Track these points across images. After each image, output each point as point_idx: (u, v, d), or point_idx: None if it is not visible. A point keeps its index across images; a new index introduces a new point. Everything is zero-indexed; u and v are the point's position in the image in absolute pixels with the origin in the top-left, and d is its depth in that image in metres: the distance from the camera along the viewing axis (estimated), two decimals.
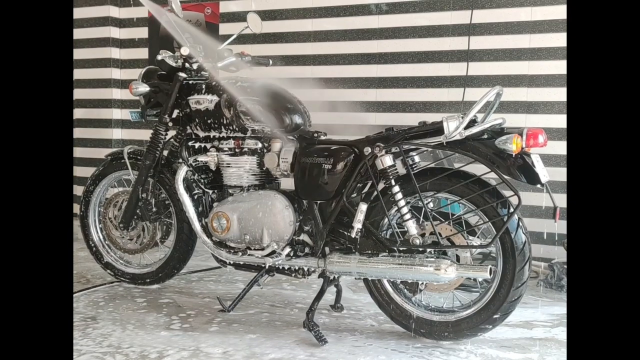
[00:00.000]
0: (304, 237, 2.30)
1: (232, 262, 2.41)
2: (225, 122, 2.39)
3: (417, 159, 2.23)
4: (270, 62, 2.75)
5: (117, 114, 4.31)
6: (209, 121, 2.43)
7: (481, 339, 2.17)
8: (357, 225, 2.13)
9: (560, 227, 3.12)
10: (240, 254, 2.37)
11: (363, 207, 2.13)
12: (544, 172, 1.95)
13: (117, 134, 4.31)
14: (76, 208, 3.05)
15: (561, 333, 2.30)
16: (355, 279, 2.27)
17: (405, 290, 2.21)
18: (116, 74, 4.28)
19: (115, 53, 4.27)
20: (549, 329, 2.34)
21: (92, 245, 2.87)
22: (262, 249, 2.32)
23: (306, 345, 2.11)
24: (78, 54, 4.27)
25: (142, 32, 4.22)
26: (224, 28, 3.94)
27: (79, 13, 4.24)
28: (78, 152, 4.36)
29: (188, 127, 2.53)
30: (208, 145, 2.50)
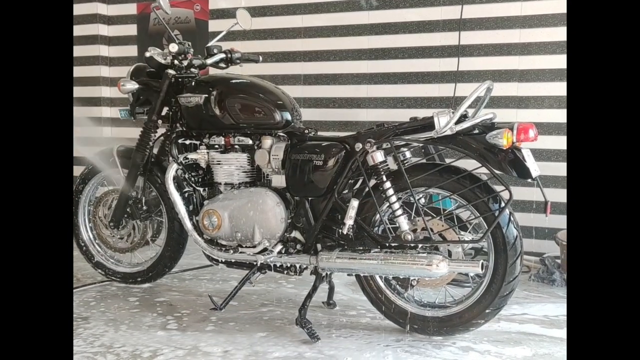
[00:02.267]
0: (295, 234, 2.29)
1: (223, 260, 2.40)
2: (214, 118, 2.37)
3: (408, 154, 2.22)
4: (260, 58, 2.73)
5: (106, 112, 4.28)
6: (198, 118, 2.41)
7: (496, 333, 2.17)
8: (349, 221, 2.12)
9: (551, 221, 3.14)
10: (231, 251, 2.36)
11: (354, 203, 2.12)
12: (534, 167, 1.95)
13: (106, 132, 4.28)
14: None
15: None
16: (348, 275, 2.26)
17: (398, 286, 2.21)
18: (105, 71, 4.25)
19: (104, 50, 4.24)
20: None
21: (82, 244, 2.85)
22: (254, 247, 2.31)
23: (312, 343, 2.10)
24: None
25: (131, 30, 4.19)
26: (214, 25, 3.91)
27: None
28: None
29: (177, 125, 2.52)
30: (198, 143, 2.49)
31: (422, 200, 2.17)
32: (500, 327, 2.28)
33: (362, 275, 2.20)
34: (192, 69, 2.52)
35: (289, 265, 2.29)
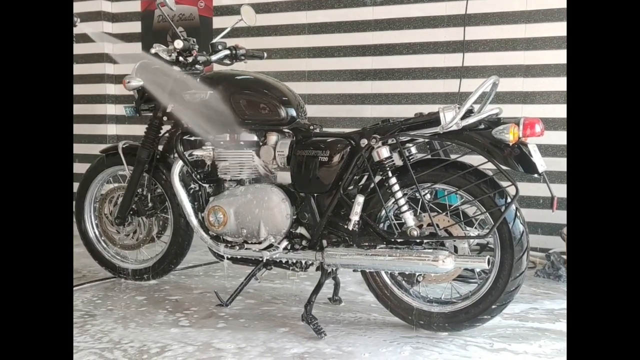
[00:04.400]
0: (301, 230, 2.29)
1: (229, 257, 2.40)
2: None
3: (413, 150, 2.22)
4: (265, 55, 2.73)
5: (111, 109, 4.28)
6: (204, 114, 2.41)
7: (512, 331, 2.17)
8: (355, 217, 2.12)
9: (557, 216, 3.13)
10: (237, 248, 2.36)
11: (360, 199, 2.12)
12: (541, 162, 1.95)
13: (111, 129, 4.29)
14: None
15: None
16: (353, 271, 2.26)
17: (403, 282, 2.20)
18: (110, 69, 4.25)
19: (109, 48, 4.24)
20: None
21: (89, 241, 2.86)
22: (260, 243, 2.32)
23: (331, 339, 2.09)
24: None
25: (136, 27, 4.19)
26: (218, 21, 3.91)
27: None
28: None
29: (182, 121, 2.52)
30: (203, 139, 2.49)
31: (428, 196, 2.17)
32: (513, 323, 2.28)
33: (367, 271, 2.20)
34: (197, 66, 2.51)
35: (294, 261, 2.29)
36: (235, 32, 3.05)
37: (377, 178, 2.13)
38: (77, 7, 4.22)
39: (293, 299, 2.55)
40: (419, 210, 2.11)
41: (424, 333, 2.15)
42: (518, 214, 2.02)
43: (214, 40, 2.60)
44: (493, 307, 2.04)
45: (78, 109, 4.32)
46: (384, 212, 2.15)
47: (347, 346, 2.04)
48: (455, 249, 2.08)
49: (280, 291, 2.67)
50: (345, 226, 2.15)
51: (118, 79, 4.23)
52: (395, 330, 2.19)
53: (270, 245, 2.29)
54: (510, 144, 1.91)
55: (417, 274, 2.11)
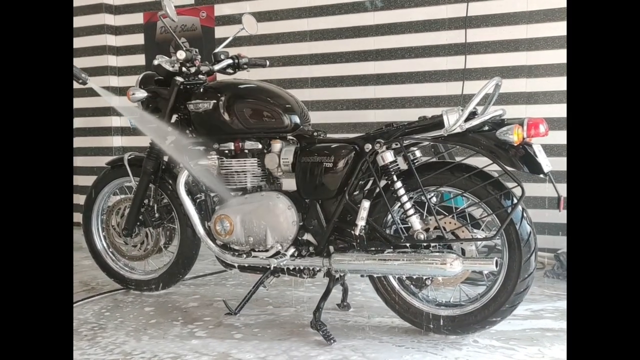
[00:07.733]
0: (307, 236, 2.29)
1: (237, 265, 2.41)
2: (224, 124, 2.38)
3: (418, 153, 2.22)
4: (267, 63, 2.74)
5: (116, 121, 4.31)
6: (208, 124, 2.42)
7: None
8: (361, 222, 2.12)
9: (564, 216, 3.11)
10: (244, 256, 2.36)
11: (366, 204, 2.12)
12: (546, 162, 1.94)
13: (117, 141, 4.31)
14: (78, 217, 3.05)
15: None
16: (361, 276, 2.26)
17: (412, 285, 2.20)
18: (114, 81, 4.28)
19: (112, 60, 4.27)
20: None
21: (97, 253, 2.87)
22: (267, 251, 2.32)
23: (357, 346, 2.07)
24: (75, 62, 4.27)
25: (139, 39, 4.22)
26: (220, 31, 3.93)
27: (75, 22, 4.24)
28: (78, 161, 4.36)
29: (187, 131, 2.53)
30: (208, 149, 2.50)
31: (434, 199, 2.17)
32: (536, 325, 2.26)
33: (375, 276, 2.20)
34: (200, 76, 2.53)
35: (302, 268, 2.29)
36: (238, 41, 3.07)
37: (382, 182, 2.12)
38: (82, 21, 4.26)
39: (311, 306, 2.53)
40: (425, 213, 2.11)
41: (451, 340, 2.12)
42: (525, 214, 2.01)
43: (217, 50, 2.61)
44: (502, 308, 2.03)
45: (83, 121, 4.35)
46: (390, 216, 2.14)
47: (372, 352, 2.03)
48: (463, 252, 2.08)
49: (299, 298, 2.66)
50: (352, 231, 2.15)
51: (122, 91, 4.26)
52: (420, 336, 2.16)
53: (278, 253, 2.29)
54: (515, 144, 1.90)
55: (425, 277, 2.10)
